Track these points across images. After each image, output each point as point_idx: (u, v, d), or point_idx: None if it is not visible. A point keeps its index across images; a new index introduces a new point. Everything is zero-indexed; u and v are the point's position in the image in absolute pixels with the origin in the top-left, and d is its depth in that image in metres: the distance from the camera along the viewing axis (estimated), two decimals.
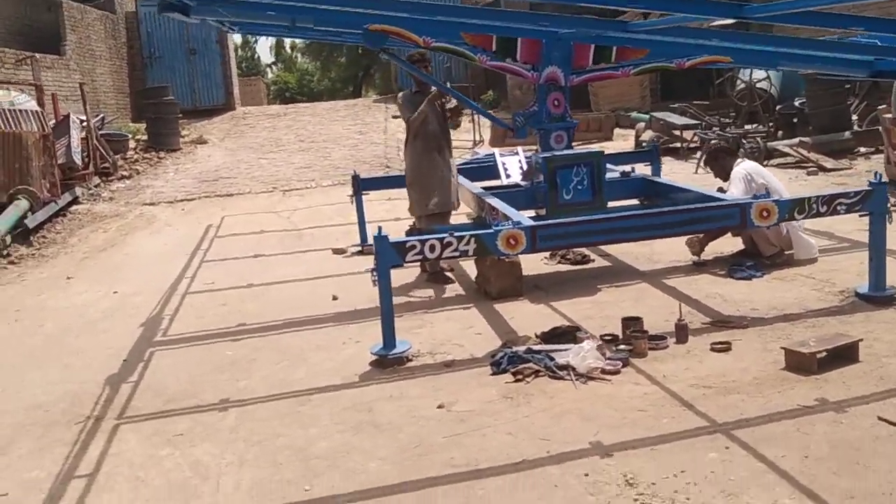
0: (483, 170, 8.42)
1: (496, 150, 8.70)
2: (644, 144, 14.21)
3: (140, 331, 6.20)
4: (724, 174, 6.91)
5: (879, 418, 3.68)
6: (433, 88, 6.90)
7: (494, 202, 6.08)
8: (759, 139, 12.74)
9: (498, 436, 3.87)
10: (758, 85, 14.04)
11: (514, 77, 19.54)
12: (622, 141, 16.66)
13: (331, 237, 9.40)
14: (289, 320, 6.16)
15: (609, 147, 14.21)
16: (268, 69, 54.73)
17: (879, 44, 5.79)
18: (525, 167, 8.24)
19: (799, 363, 4.32)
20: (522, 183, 7.06)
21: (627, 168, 7.55)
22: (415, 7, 5.91)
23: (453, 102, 7.08)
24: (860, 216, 5.47)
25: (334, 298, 6.68)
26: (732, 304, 5.63)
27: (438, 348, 5.21)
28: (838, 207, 5.30)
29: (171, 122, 16.41)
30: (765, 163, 12.39)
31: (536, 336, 5.09)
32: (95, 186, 13.10)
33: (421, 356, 5.08)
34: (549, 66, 6.52)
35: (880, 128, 11.97)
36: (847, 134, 12.59)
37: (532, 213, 6.46)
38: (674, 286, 6.24)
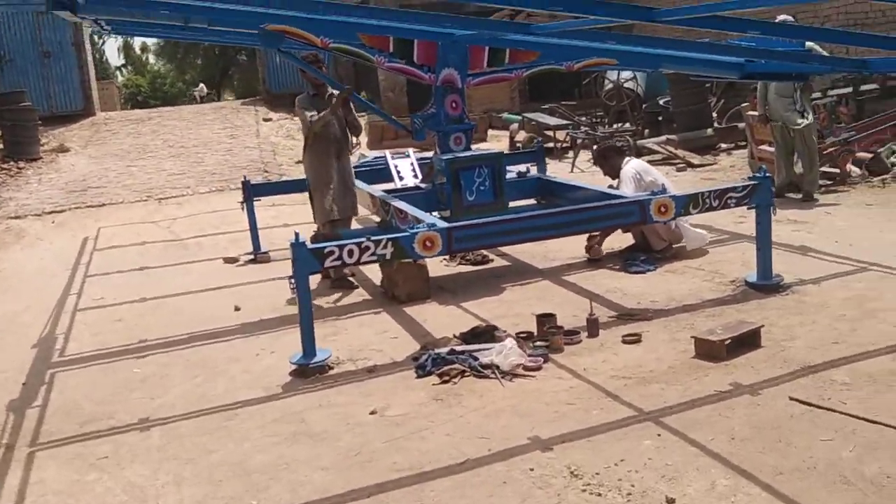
0: (374, 172, 8.45)
1: (387, 153, 8.73)
2: (519, 145, 14.59)
3: (34, 351, 5.88)
4: (614, 172, 7.20)
5: (791, 398, 3.96)
6: (333, 91, 6.85)
7: (401, 205, 6.12)
8: (628, 137, 13.31)
9: (437, 437, 3.92)
10: (625, 85, 14.67)
11: (387, 78, 19.59)
12: (496, 142, 16.98)
13: (218, 246, 9.19)
14: (193, 334, 5.99)
15: (484, 148, 14.48)
16: (117, 72, 52.49)
17: (748, 45, 6.20)
18: (417, 169, 8.34)
19: (708, 351, 4.58)
20: (422, 185, 7.12)
21: (522, 168, 7.74)
22: (312, 6, 5.86)
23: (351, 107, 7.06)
24: (748, 209, 5.81)
25: (237, 309, 6.54)
26: (633, 298, 5.89)
27: (358, 354, 5.20)
28: (728, 201, 5.63)
29: (29, 129, 15.51)
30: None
31: (456, 337, 5.16)
32: None
33: (342, 363, 5.06)
34: (446, 69, 6.63)
35: (743, 124, 12.78)
36: (709, 131, 13.35)
37: (435, 214, 6.53)
38: (574, 282, 6.46)
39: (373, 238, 4.94)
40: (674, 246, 6.94)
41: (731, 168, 11.76)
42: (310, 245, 4.85)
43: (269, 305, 6.57)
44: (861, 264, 6.20)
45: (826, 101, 9.67)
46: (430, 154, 9.64)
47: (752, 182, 5.68)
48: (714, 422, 3.80)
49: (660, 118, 14.74)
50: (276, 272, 7.70)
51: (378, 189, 7.21)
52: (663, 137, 13.36)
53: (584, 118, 15.86)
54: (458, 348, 4.87)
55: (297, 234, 4.86)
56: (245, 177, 8.73)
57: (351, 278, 6.98)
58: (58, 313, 6.88)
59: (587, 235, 6.84)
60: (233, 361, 5.33)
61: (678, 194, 5.64)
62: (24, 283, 8.08)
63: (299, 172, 14.14)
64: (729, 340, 4.58)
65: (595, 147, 8.04)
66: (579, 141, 13.96)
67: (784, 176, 9.07)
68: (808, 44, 9.03)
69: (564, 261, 7.09)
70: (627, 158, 7.21)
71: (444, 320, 5.77)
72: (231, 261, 8.36)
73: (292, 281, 4.86)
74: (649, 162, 12.99)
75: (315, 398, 4.56)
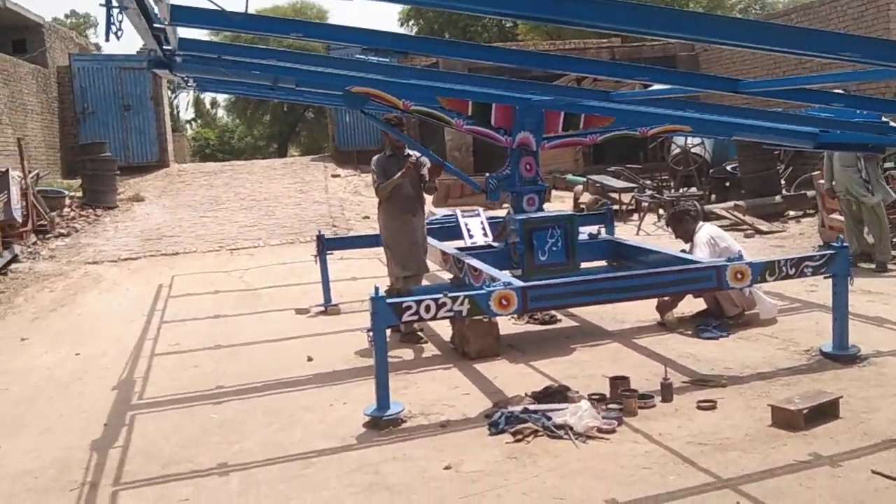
0: (445, 230, 8.57)
1: (457, 211, 8.86)
2: (583, 206, 14.66)
3: (114, 394, 6.07)
4: (687, 236, 7.21)
5: (873, 472, 3.90)
6: (410, 158, 7.02)
7: (475, 262, 6.22)
8: (696, 202, 13.27)
9: (512, 496, 3.94)
10: (692, 150, 14.68)
11: (454, 138, 19.90)
12: (560, 203, 17.05)
13: (289, 297, 9.37)
14: (268, 382, 6.12)
15: (548, 209, 14.57)
16: (187, 125, 54.23)
17: (824, 116, 6.23)
18: (487, 228, 8.45)
19: (786, 420, 4.54)
20: (494, 244, 7.22)
21: (593, 230, 7.80)
22: (396, 70, 6.09)
23: (426, 166, 7.22)
24: (825, 278, 5.77)
25: (309, 359, 6.67)
26: (706, 363, 5.86)
27: (430, 409, 5.26)
28: (805, 270, 5.61)
29: (108, 178, 16.13)
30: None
31: (528, 395, 5.19)
32: (33, 244, 12.76)
33: (414, 417, 5.12)
34: (522, 132, 6.77)
35: (814, 193, 12.67)
36: (778, 198, 13.27)
37: (507, 273, 6.60)
38: (645, 346, 6.45)
39: (449, 294, 5.03)
40: (746, 313, 6.89)
41: (801, 235, 11.64)
42: (388, 299, 4.95)
43: (341, 357, 6.68)
44: None
45: (890, 167, 9.57)
46: (499, 213, 9.78)
47: (830, 251, 5.65)
48: (795, 492, 3.76)
49: (727, 184, 14.70)
50: (346, 324, 7.85)
51: (450, 246, 7.32)
52: (731, 203, 13.29)
53: (648, 181, 15.89)
54: (532, 407, 4.90)
55: (376, 289, 4.98)
56: (319, 231, 8.94)
57: (420, 333, 7.06)
58: (136, 357, 7.09)
59: (658, 299, 6.85)
60: (307, 410, 5.43)
61: (755, 261, 5.63)
62: (102, 327, 8.34)
63: (366, 227, 14.49)
64: (807, 410, 4.53)
65: (669, 211, 8.06)
66: (645, 204, 13.99)
67: (855, 246, 8.96)
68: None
69: (634, 323, 7.09)
70: (701, 223, 7.23)
71: (514, 378, 5.81)
72: (302, 312, 8.53)
73: (370, 333, 4.96)
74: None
75: (390, 451, 4.62)
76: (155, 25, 4.22)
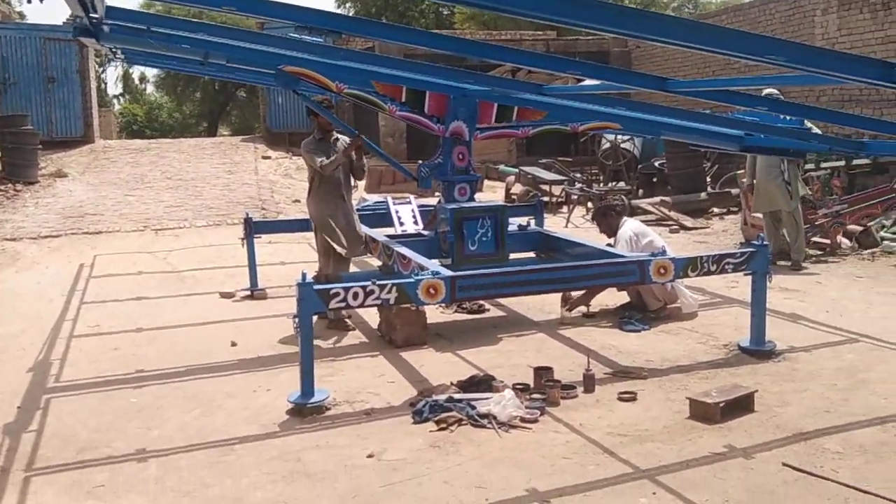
0: (375, 217, 8.52)
1: (389, 198, 8.83)
2: (514, 197, 14.77)
3: (30, 375, 5.89)
4: (611, 231, 7.33)
5: (784, 464, 4.03)
6: (339, 136, 6.96)
7: (404, 251, 6.20)
8: (623, 196, 13.49)
9: (434, 484, 3.95)
10: (622, 145, 14.90)
11: (387, 124, 19.82)
12: (492, 192, 17.14)
13: (214, 280, 9.22)
14: (190, 367, 6.01)
15: (480, 199, 14.61)
16: (115, 100, 52.71)
17: (749, 119, 6.38)
18: (418, 216, 8.44)
19: (703, 413, 4.66)
20: (424, 232, 7.22)
21: (523, 221, 7.86)
22: (331, 52, 6.00)
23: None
24: (745, 275, 5.93)
25: (233, 344, 6.57)
26: (628, 356, 5.96)
27: (354, 396, 5.24)
28: (726, 266, 5.75)
29: (29, 152, 15.56)
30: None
31: (453, 384, 5.22)
32: None
33: (339, 405, 5.10)
34: (456, 121, 6.77)
35: (736, 190, 12.99)
36: (703, 195, 13.57)
37: (436, 262, 6.61)
38: (569, 337, 6.54)
39: (378, 282, 5.01)
40: (668, 307, 7.04)
41: (724, 232, 11.93)
42: (315, 286, 4.90)
43: (266, 342, 6.61)
44: (851, 335, 6.32)
45: (820, 174, 9.88)
46: (430, 201, 9.78)
47: (750, 249, 5.81)
48: (709, 483, 3.86)
49: (654, 179, 14.96)
50: (272, 309, 7.76)
51: (380, 234, 7.29)
52: (657, 199, 13.55)
53: (579, 175, 16.09)
54: (457, 396, 4.92)
55: (304, 274, 4.93)
56: (247, 213, 8.79)
57: (347, 320, 7.02)
58: (54, 338, 6.89)
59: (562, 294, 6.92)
60: (230, 397, 5.36)
61: (678, 257, 5.74)
62: (19, 306, 8.07)
63: (296, 211, 14.32)
64: (723, 403, 4.65)
65: (594, 206, 8.17)
66: (574, 197, 14.16)
67: (773, 244, 9.22)
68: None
69: (559, 315, 7.17)
70: (625, 219, 7.35)
71: (441, 367, 5.82)
72: (227, 296, 8.40)
73: (296, 319, 4.91)
74: (643, 222, 13.27)
75: (312, 438, 4.58)
76: None
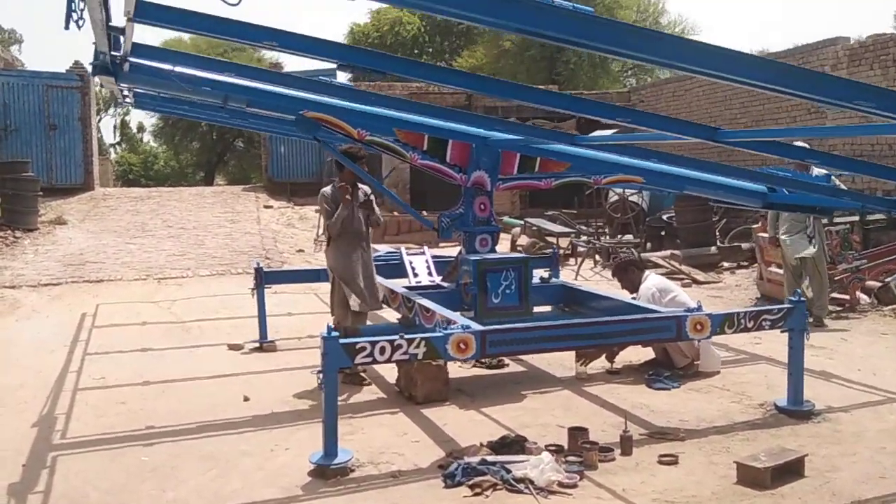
0: (388, 268, 8.31)
1: (402, 249, 8.62)
2: (520, 249, 14.60)
3: (34, 431, 5.60)
4: (632, 286, 7.13)
5: None
6: (361, 186, 6.79)
7: (427, 303, 5.98)
8: (633, 250, 13.32)
9: None
10: (630, 198, 14.79)
11: (392, 175, 19.66)
12: (498, 245, 16.98)
13: (220, 331, 8.96)
14: (202, 423, 5.74)
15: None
16: (111, 149, 52.72)
17: (781, 174, 6.24)
18: (432, 267, 8.22)
19: (752, 478, 4.40)
20: (444, 284, 7.00)
21: (545, 273, 7.66)
22: (355, 96, 5.86)
23: (374, 200, 6.98)
24: (782, 332, 5.72)
25: (245, 399, 6.31)
26: (661, 415, 5.71)
27: (378, 457, 4.97)
28: (763, 323, 5.55)
29: (29, 199, 15.34)
30: None
31: (483, 445, 4.95)
32: None
33: (363, 466, 4.83)
34: (477, 171, 6.61)
35: (749, 245, 12.85)
36: (713, 249, 13.40)
37: (458, 315, 6.38)
38: (597, 394, 6.29)
39: (406, 336, 4.79)
40: (695, 363, 6.81)
41: (737, 287, 11.74)
42: (342, 340, 4.67)
43: (279, 398, 6.34)
44: (889, 395, 6.10)
45: (839, 228, 9.73)
46: (442, 253, 9.58)
47: (788, 305, 5.61)
48: None
49: (662, 233, 14.83)
50: (283, 362, 7.52)
51: (398, 285, 7.07)
52: (668, 252, 13.40)
53: (584, 227, 15.94)
54: (490, 458, 4.65)
55: (329, 327, 4.71)
56: (258, 263, 8.57)
57: (363, 374, 6.77)
58: (57, 391, 6.60)
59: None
60: (246, 456, 5.08)
61: (714, 313, 5.53)
62: (20, 357, 7.79)
63: (300, 261, 14.13)
64: (774, 468, 4.40)
65: (615, 261, 7.98)
66: (581, 249, 14.01)
67: None
68: (820, 171, 9.13)
69: (575, 369, 6.91)
70: (647, 273, 7.16)
71: (465, 426, 5.57)
72: (236, 348, 8.14)
73: (320, 375, 4.67)
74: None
75: (339, 503, 4.31)
76: (111, 24, 3.92)
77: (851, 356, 7.36)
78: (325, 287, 10.20)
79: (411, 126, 6.33)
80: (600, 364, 6.98)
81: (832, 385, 6.44)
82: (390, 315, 7.92)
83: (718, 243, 13.81)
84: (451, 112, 6.40)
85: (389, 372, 6.75)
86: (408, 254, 8.44)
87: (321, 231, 16.45)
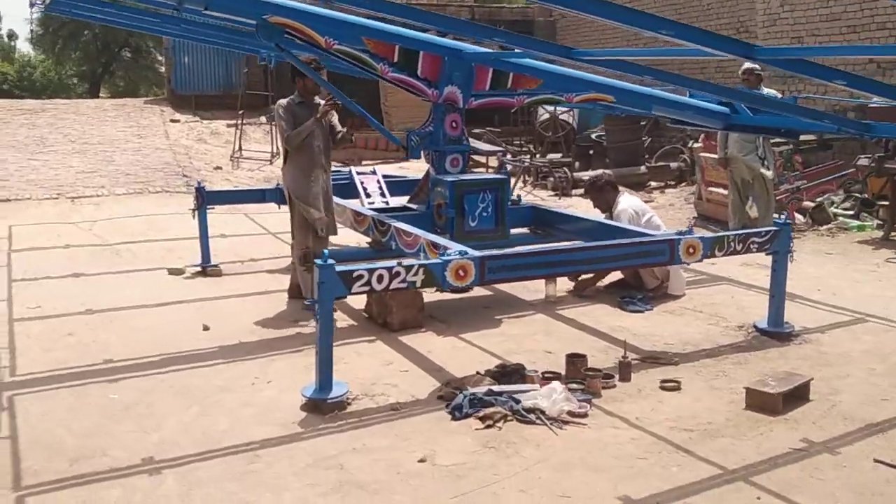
0: (337, 188, 7.89)
1: (352, 169, 8.21)
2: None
3: None
4: (605, 205, 6.99)
5: (876, 460, 3.77)
6: (318, 100, 6.32)
7: (409, 228, 5.65)
8: (566, 169, 13.23)
9: (511, 495, 3.50)
10: (561, 116, 14.62)
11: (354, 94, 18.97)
12: (421, 162, 16.62)
13: (154, 255, 8.43)
14: (165, 356, 5.32)
15: (410, 168, 14.01)
16: None
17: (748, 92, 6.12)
18: (384, 188, 7.88)
19: (762, 403, 4.35)
20: (415, 206, 6.67)
21: (513, 196, 7.41)
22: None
23: (335, 116, 6.53)
24: (766, 254, 5.67)
25: (206, 328, 5.91)
26: (645, 339, 5.63)
27: (371, 389, 4.71)
28: (751, 246, 5.48)
29: None
30: (572, 192, 12.95)
31: (480, 374, 4.76)
32: None
33: (358, 399, 4.56)
34: (450, 86, 6.24)
35: (677, 164, 12.95)
36: (642, 168, 13.45)
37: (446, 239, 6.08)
38: (572, 318, 6.17)
39: (404, 264, 4.49)
40: (664, 285, 6.76)
41: (671, 206, 11.83)
42: (339, 267, 4.33)
43: (242, 327, 5.97)
44: (857, 315, 6.18)
45: (783, 149, 9.82)
46: (389, 171, 9.20)
47: (774, 228, 5.56)
48: (810, 485, 3.55)
49: (591, 152, 14.78)
50: (232, 288, 7.13)
51: (366, 207, 6.72)
52: (599, 171, 13.33)
53: (508, 146, 15.74)
54: (496, 388, 4.46)
55: (325, 253, 4.35)
56: (199, 182, 8.01)
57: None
58: None
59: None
60: (224, 391, 4.73)
61: (705, 236, 5.43)
62: None
63: (220, 179, 13.47)
64: (784, 393, 4.37)
65: (589, 179, 7.81)
66: (509, 167, 13.80)
67: (738, 219, 9.12)
68: (770, 90, 9.13)
69: (545, 291, 6.77)
70: (622, 192, 7.02)
71: (449, 353, 5.36)
72: (176, 272, 7.64)
73: (315, 306, 4.33)
74: (583, 195, 13.04)
75: (345, 440, 4.04)
76: None
77: (805, 276, 7.43)
78: (251, 208, 9.74)
79: (382, 35, 5.89)
80: (564, 286, 6.87)
81: (799, 306, 6.48)
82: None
83: (647, 163, 13.87)
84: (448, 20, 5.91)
85: (355, 299, 6.43)
86: (358, 174, 8.05)
87: (237, 147, 15.76)
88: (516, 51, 5.33)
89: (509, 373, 4.73)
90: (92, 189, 11.97)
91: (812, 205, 9.98)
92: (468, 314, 6.26)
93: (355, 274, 4.35)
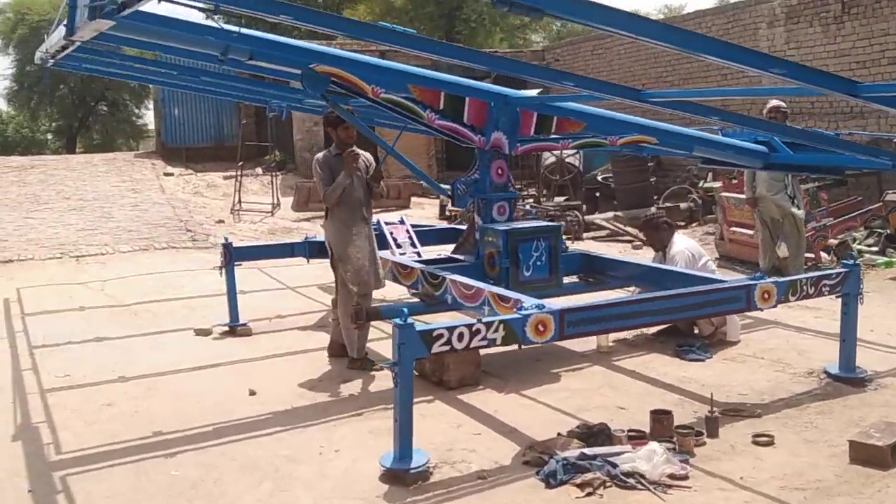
0: None
1: (381, 220, 7.99)
2: (451, 213, 14.14)
3: (18, 445, 4.74)
4: (660, 245, 6.83)
5: None
6: (360, 152, 6.11)
7: (469, 281, 5.41)
8: (577, 213, 13.09)
9: None
10: (567, 159, 14.52)
11: (303, 139, 18.78)
12: (420, 210, 16.50)
13: (174, 314, 8.13)
14: (218, 426, 5.02)
15: (412, 215, 13.81)
16: None
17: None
18: (414, 238, 7.68)
19: (869, 456, 4.13)
20: (461, 257, 6.43)
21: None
22: (397, 37, 5.18)
23: (373, 166, 6.32)
24: (836, 297, 5.50)
25: (252, 394, 5.61)
26: (715, 390, 5.33)
27: (449, 456, 4.44)
28: (823, 289, 5.31)
29: None
30: (583, 235, 12.80)
31: (562, 435, 4.50)
32: None
33: (439, 467, 4.28)
34: (496, 132, 6.06)
35: (687, 205, 12.85)
36: (653, 209, 13.33)
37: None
38: (632, 369, 5.95)
39: (484, 321, 4.26)
40: (718, 331, 6.56)
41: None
42: (419, 327, 4.08)
43: (288, 389, 5.69)
44: None
45: (809, 187, 9.73)
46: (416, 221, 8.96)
47: (845, 270, 5.39)
48: None
49: (597, 194, 14.68)
50: (266, 348, 6.83)
51: (408, 258, 6.49)
52: (610, 214, 13.24)
53: (522, 191, 15.60)
54: (589, 452, 4.20)
55: (404, 312, 4.10)
56: (226, 238, 7.72)
57: (371, 358, 6.17)
58: (21, 394, 5.70)
59: None
60: (292, 462, 4.44)
61: (780, 280, 5.24)
62: None
63: (224, 233, 13.15)
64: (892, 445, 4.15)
65: (644, 217, 7.67)
66: (519, 213, 13.66)
67: (768, 259, 8.97)
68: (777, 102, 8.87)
69: (597, 341, 6.54)
70: (677, 234, 6.86)
71: (517, 412, 5.11)
72: (204, 333, 7.33)
73: (395, 368, 4.08)
74: (595, 238, 12.92)
75: None
76: None
77: None
78: (263, 262, 9.38)
79: (428, 82, 5.73)
80: (613, 336, 6.65)
81: (858, 348, 6.29)
82: None
83: (658, 204, 13.77)
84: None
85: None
86: (386, 224, 7.84)
87: (237, 199, 15.51)
88: (583, 93, 5.14)
89: (595, 433, 4.47)
90: (95, 247, 11.63)
91: (836, 242, 9.88)
92: (522, 368, 6.00)
93: (435, 333, 4.11)
